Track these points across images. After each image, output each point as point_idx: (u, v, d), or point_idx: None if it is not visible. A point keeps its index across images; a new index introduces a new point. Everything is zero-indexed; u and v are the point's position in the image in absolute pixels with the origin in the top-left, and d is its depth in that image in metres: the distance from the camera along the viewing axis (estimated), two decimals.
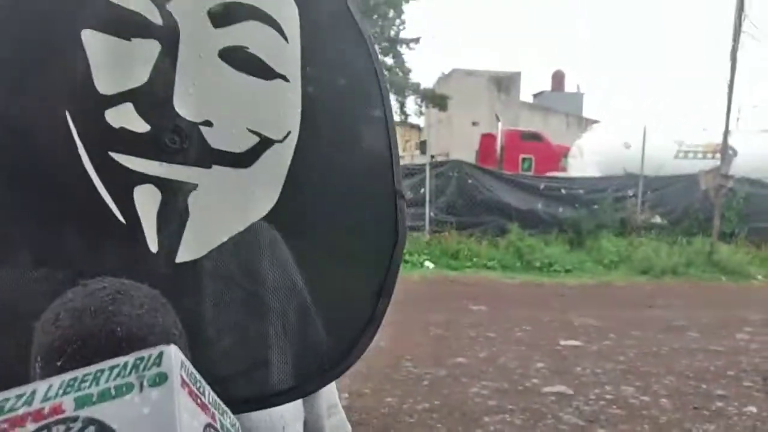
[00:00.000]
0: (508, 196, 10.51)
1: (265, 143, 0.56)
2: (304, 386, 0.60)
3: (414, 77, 22.77)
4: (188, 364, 0.40)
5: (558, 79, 30.52)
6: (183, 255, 0.53)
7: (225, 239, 0.55)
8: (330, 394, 0.80)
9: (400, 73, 21.22)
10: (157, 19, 0.51)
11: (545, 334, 5.67)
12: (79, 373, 0.38)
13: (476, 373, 4.54)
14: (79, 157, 0.50)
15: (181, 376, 0.38)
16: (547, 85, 31.51)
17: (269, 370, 0.58)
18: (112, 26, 0.50)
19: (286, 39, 0.58)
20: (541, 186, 10.96)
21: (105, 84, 0.50)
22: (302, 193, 0.59)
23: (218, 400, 0.43)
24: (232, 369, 0.55)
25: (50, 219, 0.50)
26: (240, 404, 0.55)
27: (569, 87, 30.44)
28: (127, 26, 0.51)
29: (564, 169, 14.76)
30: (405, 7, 20.38)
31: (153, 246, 0.51)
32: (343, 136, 0.63)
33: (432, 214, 10.31)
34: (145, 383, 0.37)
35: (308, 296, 0.60)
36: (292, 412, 0.67)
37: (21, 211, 0.50)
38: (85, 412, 0.35)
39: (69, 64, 0.50)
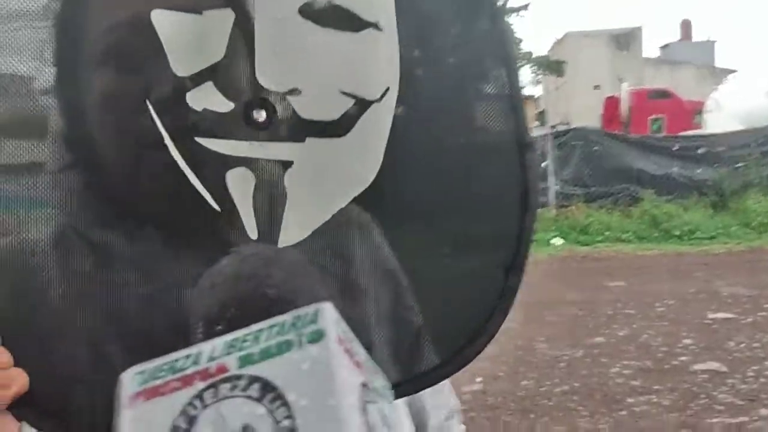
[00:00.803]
0: (638, 161, 9.89)
1: (361, 105, 0.50)
2: (442, 369, 0.54)
3: (525, 46, 22.00)
4: (343, 323, 0.39)
5: (685, 28, 28.16)
6: (285, 239, 0.49)
7: (328, 217, 0.50)
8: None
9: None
10: None
11: (691, 308, 5.31)
12: (240, 333, 0.38)
13: (616, 352, 4.35)
14: (165, 147, 0.47)
15: (337, 334, 0.37)
16: (673, 37, 29.18)
17: (411, 352, 0.53)
18: (180, 2, 0.47)
19: None
20: (675, 147, 10.21)
21: (182, 65, 0.47)
22: (409, 155, 0.53)
23: (371, 361, 0.42)
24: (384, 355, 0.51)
25: (146, 219, 0.49)
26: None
27: (698, 36, 27.99)
28: None
29: (699, 127, 13.64)
30: None
31: (252, 233, 0.48)
32: (451, 84, 0.56)
33: (557, 187, 9.95)
34: (303, 340, 0.36)
35: (425, 275, 0.56)
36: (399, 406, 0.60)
37: (121, 225, 0.49)
38: (248, 371, 0.36)
39: (143, 50, 0.47)
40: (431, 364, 0.55)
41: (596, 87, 21.80)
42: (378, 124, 0.51)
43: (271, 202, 0.48)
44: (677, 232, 8.69)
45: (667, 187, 9.49)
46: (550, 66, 20.10)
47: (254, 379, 0.35)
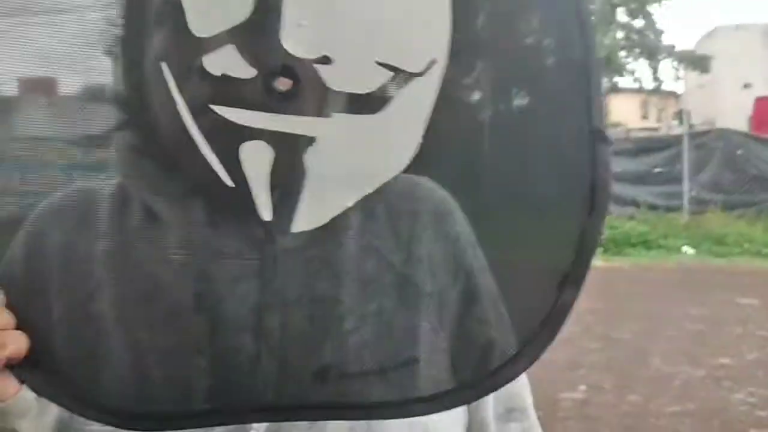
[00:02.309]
0: None
1: (400, 78, 0.44)
2: (463, 393, 0.49)
3: (669, 39, 20.59)
4: None
5: None
6: (300, 223, 0.45)
7: (350, 204, 0.45)
8: (509, 396, 0.63)
9: (652, 36, 19.33)
10: None
11: None
12: None
13: (742, 376, 3.95)
14: (177, 112, 0.44)
15: None
16: None
17: (417, 370, 0.47)
18: None
19: None
20: None
21: (201, 25, 0.43)
22: (452, 143, 0.47)
23: None
24: (366, 365, 0.46)
25: (153, 183, 0.47)
26: (379, 409, 0.47)
27: None
28: None
29: None
30: None
31: (266, 213, 0.44)
32: (512, 61, 0.49)
33: (692, 192, 9.22)
34: None
35: (474, 280, 0.50)
36: (445, 419, 0.54)
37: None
38: None
39: (159, 6, 0.45)
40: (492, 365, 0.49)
41: (746, 86, 19.95)
42: (418, 101, 0.45)
43: (289, 181, 0.44)
44: None
45: None
46: (694, 61, 18.63)
47: None
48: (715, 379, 3.92)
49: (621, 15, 19.88)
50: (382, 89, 0.44)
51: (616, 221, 8.86)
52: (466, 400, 0.52)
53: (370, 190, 0.45)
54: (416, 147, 0.45)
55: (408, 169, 0.46)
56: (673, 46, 19.51)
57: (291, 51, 0.43)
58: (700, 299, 5.89)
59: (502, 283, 0.50)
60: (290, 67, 0.43)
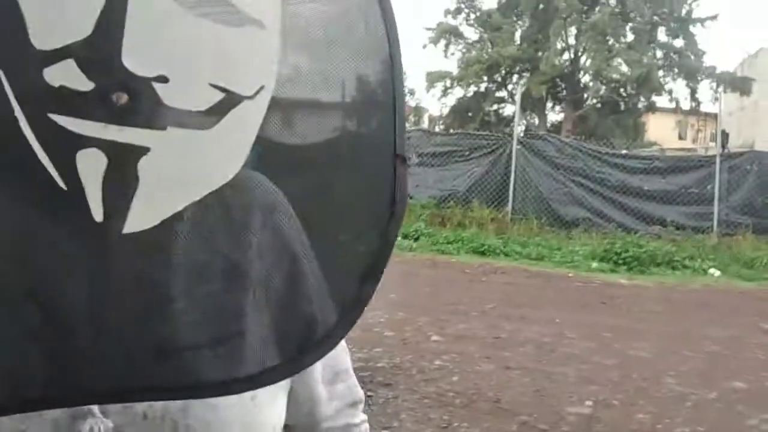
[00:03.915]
0: None
1: (231, 100, 0.49)
2: (291, 364, 0.54)
3: (710, 60, 20.22)
4: None
5: None
6: (131, 225, 0.48)
7: (180, 208, 0.49)
8: (334, 359, 0.74)
9: (692, 56, 19.01)
10: None
11: None
12: None
13: (759, 402, 3.84)
14: (15, 119, 0.46)
15: None
16: None
17: (245, 346, 0.52)
18: None
19: None
20: None
21: (43, 38, 0.45)
22: (276, 158, 0.53)
23: None
24: (195, 343, 0.51)
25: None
26: (215, 387, 0.51)
27: None
28: None
29: None
30: None
31: (98, 215, 0.47)
32: (330, 88, 0.55)
33: (723, 214, 9.01)
34: None
35: (298, 264, 0.56)
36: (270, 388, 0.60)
37: None
38: None
39: (1, 20, 0.46)
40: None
41: None
42: (247, 121, 0.50)
43: (121, 187, 0.48)
44: None
45: None
46: (735, 83, 18.24)
47: None
48: (728, 403, 3.82)
49: (661, 34, 19.61)
50: (214, 108, 0.49)
51: (641, 240, 8.71)
52: (293, 372, 0.57)
53: (197, 198, 0.50)
54: (243, 161, 0.51)
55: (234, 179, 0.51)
56: (714, 68, 19.14)
57: (131, 69, 0.46)
58: (723, 322, 5.74)
59: (322, 267, 0.56)
60: (128, 83, 0.47)
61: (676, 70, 19.23)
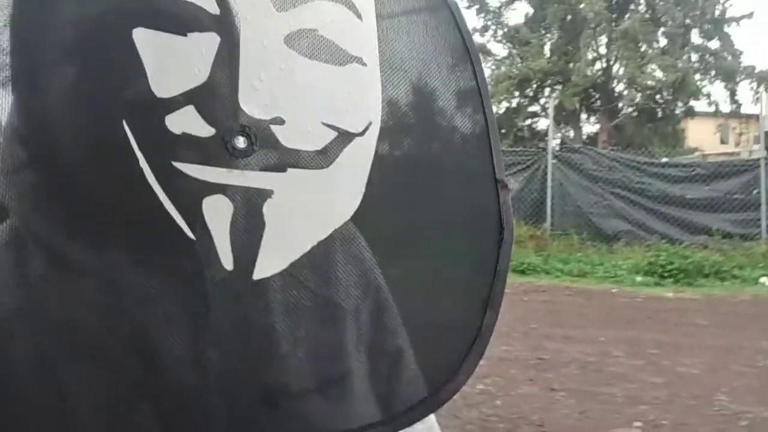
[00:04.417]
0: None
1: (343, 138, 0.50)
2: (395, 421, 0.51)
3: (748, 59, 19.71)
4: None
5: None
6: (261, 271, 0.47)
7: (308, 248, 0.49)
8: None
9: (729, 57, 18.56)
10: (213, 9, 0.47)
11: None
12: None
13: None
14: (141, 170, 0.46)
15: None
16: None
17: (352, 386, 0.51)
18: (165, 22, 0.46)
19: (359, 16, 0.51)
20: None
21: (163, 87, 0.46)
22: (387, 191, 0.52)
23: None
24: (305, 384, 0.49)
25: (115, 240, 0.47)
26: None
27: None
28: (182, 20, 0.46)
29: None
30: None
31: (227, 263, 0.46)
32: (430, 121, 0.56)
33: None
34: None
35: (399, 315, 0.53)
36: None
37: (83, 233, 0.47)
38: None
39: (122, 69, 0.46)
40: (413, 399, 0.52)
41: None
42: (360, 158, 0.51)
43: (248, 233, 0.47)
44: None
45: None
46: None
47: None
48: None
49: (695, 37, 19.23)
50: (329, 147, 0.50)
51: (687, 250, 8.48)
52: (406, 424, 0.53)
53: (323, 237, 0.50)
54: (361, 197, 0.51)
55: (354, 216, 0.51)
56: (753, 67, 18.66)
57: (248, 112, 0.47)
58: None
59: (428, 315, 0.54)
60: (248, 127, 0.47)
61: (713, 73, 18.79)
